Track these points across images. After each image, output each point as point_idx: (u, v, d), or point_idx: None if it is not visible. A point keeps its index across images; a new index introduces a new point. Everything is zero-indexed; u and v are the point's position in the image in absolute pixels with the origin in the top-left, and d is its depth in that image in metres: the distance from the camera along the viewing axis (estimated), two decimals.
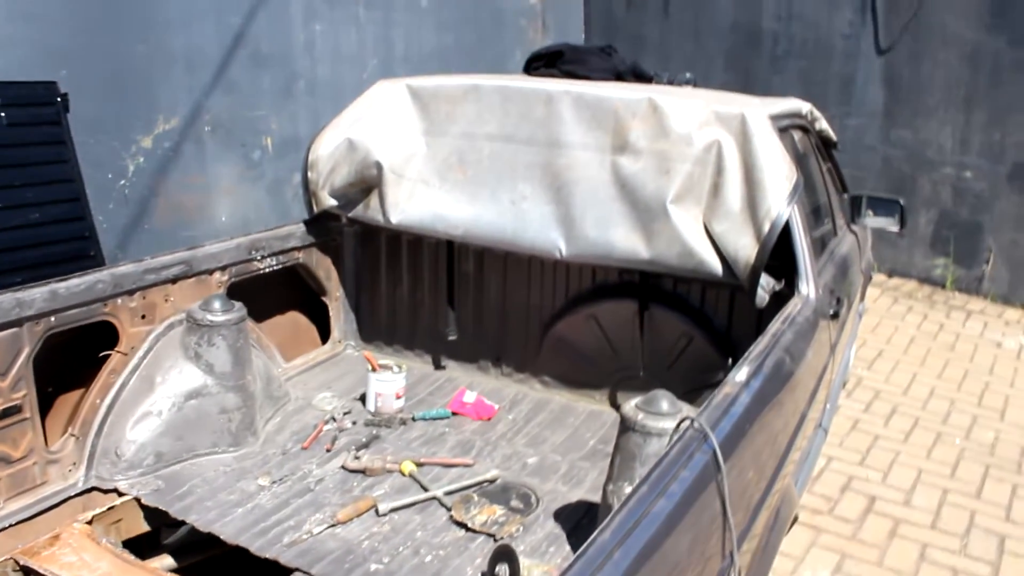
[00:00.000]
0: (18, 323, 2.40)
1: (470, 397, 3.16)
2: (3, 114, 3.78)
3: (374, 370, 3.09)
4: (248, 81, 4.88)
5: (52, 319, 2.48)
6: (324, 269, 3.51)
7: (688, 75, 3.59)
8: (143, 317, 2.77)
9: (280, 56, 5.06)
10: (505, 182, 3.11)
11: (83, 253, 4.09)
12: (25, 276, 3.84)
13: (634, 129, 2.96)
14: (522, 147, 3.13)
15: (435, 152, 3.25)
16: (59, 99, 4.00)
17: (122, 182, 4.32)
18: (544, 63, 3.55)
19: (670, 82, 3.57)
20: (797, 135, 3.35)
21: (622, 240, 2.94)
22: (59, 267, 3.98)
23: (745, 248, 2.74)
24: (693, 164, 2.87)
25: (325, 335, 3.64)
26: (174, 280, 2.85)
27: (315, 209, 3.39)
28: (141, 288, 2.75)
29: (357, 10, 5.50)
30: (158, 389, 2.74)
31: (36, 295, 2.44)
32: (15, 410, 2.44)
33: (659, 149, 2.91)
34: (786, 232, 2.78)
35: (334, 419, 3.03)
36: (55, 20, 4.01)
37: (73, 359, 2.69)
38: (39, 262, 3.91)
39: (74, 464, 2.65)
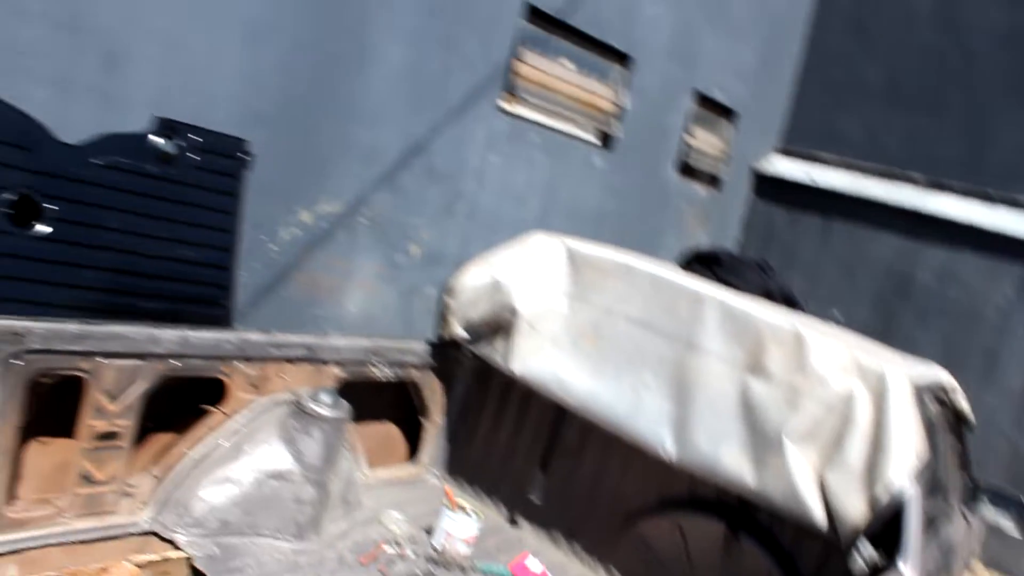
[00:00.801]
0: (145, 356, 2.49)
1: (535, 565, 3.09)
2: (197, 157, 4.02)
3: (451, 507, 3.06)
4: (415, 189, 5.06)
5: (176, 363, 2.57)
6: (432, 392, 3.54)
7: (837, 314, 3.57)
8: (254, 386, 2.84)
9: (450, 174, 5.25)
10: (632, 366, 3.12)
11: (215, 300, 4.24)
12: (157, 304, 4.01)
13: (772, 354, 2.94)
14: (658, 338, 3.14)
15: (574, 316, 3.29)
16: (245, 157, 4.23)
17: (273, 247, 4.49)
18: (701, 263, 3.59)
19: (818, 316, 3.55)
20: (934, 407, 3.26)
21: (731, 460, 2.89)
22: (189, 305, 4.14)
23: (854, 509, 2.65)
24: (823, 407, 2.82)
25: (413, 454, 3.66)
26: (293, 361, 2.93)
27: (443, 333, 3.45)
28: (261, 359, 2.83)
29: (533, 153, 5.69)
30: (244, 459, 2.79)
31: (169, 337, 2.54)
32: (114, 436, 2.51)
33: (792, 381, 2.87)
34: (900, 507, 2.68)
35: (397, 543, 3.01)
36: (266, 87, 4.28)
37: (175, 401, 2.77)
38: (174, 295, 4.07)
39: (144, 504, 2.69)
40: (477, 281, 3.34)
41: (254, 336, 2.76)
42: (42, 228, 3.65)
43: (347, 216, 4.75)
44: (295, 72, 4.39)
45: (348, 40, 4.58)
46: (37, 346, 2.26)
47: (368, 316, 5.02)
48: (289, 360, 2.88)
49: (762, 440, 2.81)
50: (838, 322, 3.51)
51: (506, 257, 3.37)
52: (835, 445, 2.72)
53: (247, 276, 4.39)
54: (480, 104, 5.23)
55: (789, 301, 3.49)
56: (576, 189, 6.10)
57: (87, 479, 2.49)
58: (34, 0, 3.53)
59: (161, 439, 2.76)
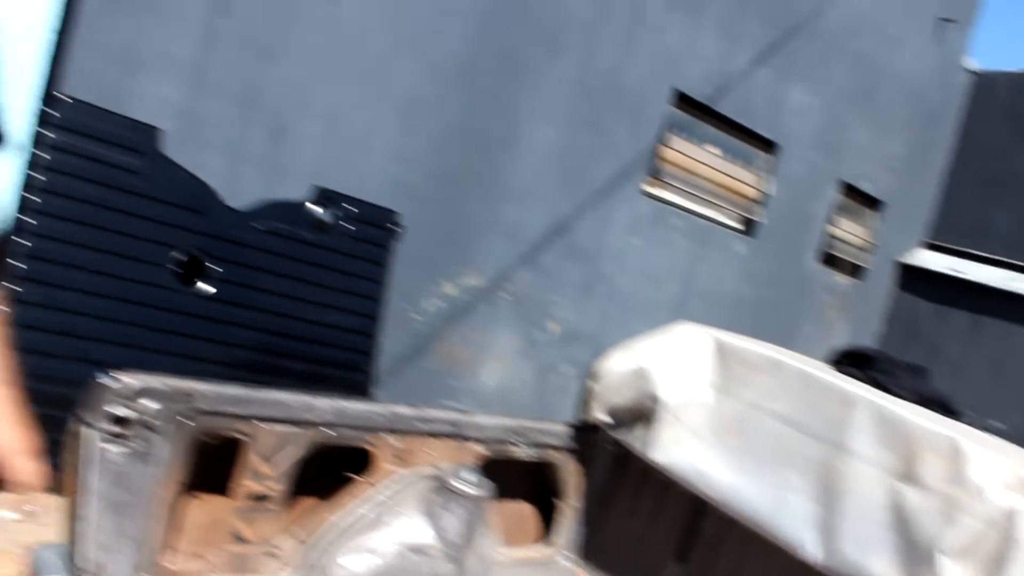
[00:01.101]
0: (301, 424, 2.56)
1: None
2: (351, 227, 4.17)
3: None
4: (556, 267, 5.11)
5: (328, 431, 2.63)
6: (570, 474, 3.52)
7: (1000, 425, 3.40)
8: (399, 458, 2.88)
9: (591, 255, 5.28)
10: (777, 465, 3.03)
11: (357, 366, 4.35)
12: (303, 366, 4.14)
13: (928, 463, 2.81)
14: (806, 437, 3.04)
15: (718, 409, 3.23)
16: (395, 228, 4.37)
17: (416, 316, 4.59)
18: (852, 362, 3.48)
19: (978, 426, 3.39)
20: None
21: (879, 569, 2.76)
22: (333, 369, 4.25)
23: None
24: (983, 523, 2.67)
25: (547, 535, 3.62)
26: (438, 436, 2.96)
27: (584, 416, 3.43)
28: (408, 432, 2.87)
29: (674, 236, 5.68)
30: (385, 530, 2.81)
31: (325, 406, 2.61)
32: (266, 498, 2.58)
33: (949, 494, 2.74)
34: None
35: None
36: (419, 162, 4.42)
37: (321, 466, 2.83)
38: (319, 358, 4.20)
39: (287, 566, 2.74)
40: (621, 367, 3.32)
41: (403, 409, 2.81)
42: (206, 288, 3.83)
43: (489, 290, 4.83)
44: (447, 149, 4.53)
45: (499, 121, 4.71)
46: (205, 407, 2.35)
47: (504, 390, 5.06)
48: (434, 435, 2.92)
49: (914, 552, 2.68)
50: (999, 432, 3.34)
51: (651, 345, 3.34)
52: (996, 565, 2.57)
53: (389, 344, 4.50)
54: (624, 186, 5.27)
55: (946, 408, 3.35)
56: (715, 274, 6.05)
57: (238, 538, 2.56)
58: (215, 76, 3.76)
59: (306, 503, 2.82)
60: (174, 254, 3.71)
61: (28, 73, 3.23)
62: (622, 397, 3.22)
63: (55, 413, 3.48)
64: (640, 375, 3.20)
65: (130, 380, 2.21)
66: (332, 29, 4.04)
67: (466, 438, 2.97)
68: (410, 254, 4.42)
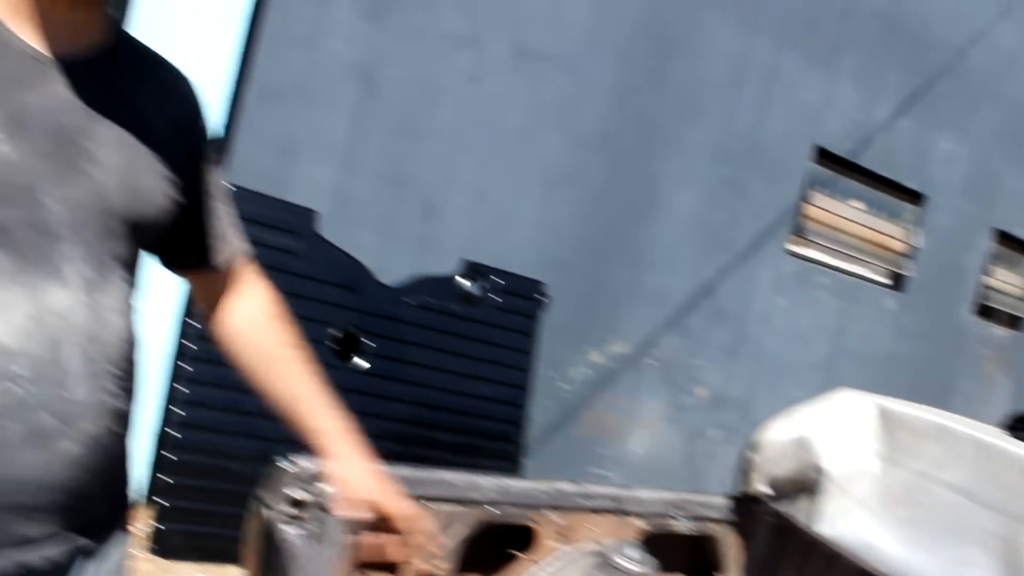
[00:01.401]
0: (467, 503, 2.59)
1: None
2: (498, 299, 4.23)
3: None
4: (700, 331, 5.05)
5: (492, 510, 2.65)
6: (729, 546, 3.44)
7: None
8: (561, 535, 2.87)
9: (736, 316, 5.20)
10: (952, 539, 2.89)
11: (507, 436, 4.38)
12: (454, 437, 4.18)
13: None
14: (983, 509, 2.89)
15: (885, 479, 3.11)
16: (542, 298, 4.41)
17: (563, 385, 4.60)
18: None
19: None
20: None
21: None
22: (481, 440, 4.29)
23: None
24: None
25: None
26: (599, 511, 2.94)
27: (744, 488, 3.36)
28: (570, 509, 2.86)
29: (821, 295, 5.54)
30: None
31: (489, 485, 2.63)
32: None
33: None
34: None
35: None
36: (562, 233, 4.47)
37: (484, 544, 2.85)
38: (469, 429, 4.24)
39: None
40: (782, 437, 3.24)
41: (565, 486, 2.81)
42: (361, 362, 3.93)
43: (635, 357, 4.81)
44: (590, 218, 4.57)
45: (640, 188, 4.72)
46: None
47: (651, 456, 5.00)
48: (596, 511, 2.90)
49: None
50: None
51: (812, 413, 3.25)
52: None
53: (537, 413, 4.52)
54: (768, 246, 5.19)
55: None
56: (865, 332, 5.86)
57: None
58: (366, 158, 3.91)
59: None
60: (331, 331, 3.83)
61: None
62: (784, 468, 3.14)
63: (226, 486, 3.62)
64: (802, 445, 3.11)
65: (307, 464, 2.28)
66: (474, 107, 4.15)
67: (627, 513, 2.94)
68: (557, 323, 4.45)
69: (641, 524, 2.97)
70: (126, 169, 1.27)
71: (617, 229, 4.66)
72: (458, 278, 4.16)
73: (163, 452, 3.53)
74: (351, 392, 3.91)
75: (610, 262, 4.67)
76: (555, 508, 2.75)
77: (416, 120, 4.02)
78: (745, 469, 3.24)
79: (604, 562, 2.78)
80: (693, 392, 5.11)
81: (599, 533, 2.87)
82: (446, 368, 4.15)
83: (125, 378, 1.29)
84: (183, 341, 3.60)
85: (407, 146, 4.00)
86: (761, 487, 3.18)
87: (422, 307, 4.08)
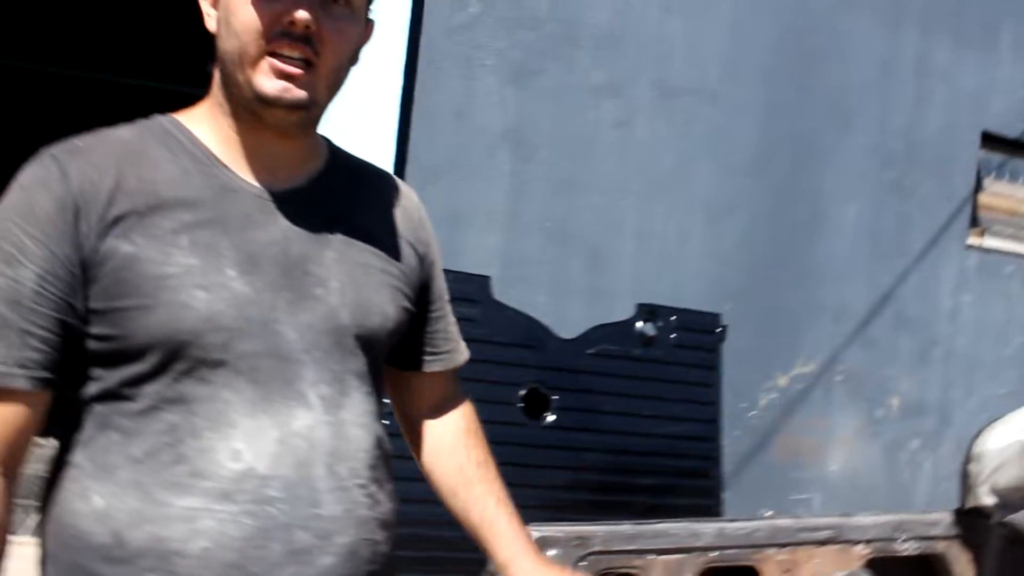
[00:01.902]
0: (688, 551, 2.59)
1: None
2: (673, 335, 4.22)
3: None
4: (886, 340, 4.89)
5: (713, 554, 2.63)
6: (960, 564, 3.29)
7: None
8: (786, 572, 2.82)
9: (922, 320, 5.02)
10: None
11: (703, 472, 4.33)
12: (651, 480, 4.17)
13: None
14: None
15: None
16: (719, 330, 4.37)
17: (752, 412, 4.53)
18: None
19: None
20: None
21: None
22: (677, 479, 4.26)
23: None
24: None
25: None
26: (821, 543, 2.88)
27: (967, 502, 3.21)
28: (791, 544, 2.81)
29: (1011, 286, 5.28)
30: None
31: (707, 530, 2.62)
32: None
33: None
34: None
35: None
36: (731, 262, 4.44)
37: None
38: (663, 469, 4.22)
39: None
40: (1002, 443, 3.09)
41: (784, 521, 2.77)
42: (549, 417, 3.99)
43: (821, 375, 4.70)
44: (756, 243, 4.52)
45: (803, 206, 4.64)
46: (599, 548, 2.43)
47: (850, 474, 4.86)
48: (818, 543, 2.84)
49: None
50: None
51: None
52: None
53: (729, 444, 4.46)
54: (945, 244, 5.00)
55: None
56: None
57: None
58: (531, 217, 4.00)
59: None
60: (517, 391, 3.90)
61: None
62: (1010, 477, 2.99)
63: (431, 553, 3.71)
64: None
65: (531, 531, 2.34)
66: (627, 152, 4.19)
67: (849, 541, 2.87)
68: (738, 351, 4.40)
69: (864, 551, 2.88)
70: (354, 288, 1.32)
71: (785, 249, 4.59)
72: (634, 322, 4.18)
73: None
74: (543, 448, 3.98)
75: (783, 283, 4.59)
76: (776, 545, 2.71)
77: (572, 174, 4.09)
78: (968, 483, 3.10)
79: None
80: (886, 403, 4.94)
81: (823, 565, 2.81)
82: (633, 412, 4.16)
83: (375, 486, 1.33)
84: None
85: (566, 200, 4.08)
86: (987, 499, 3.04)
87: (602, 355, 4.11)
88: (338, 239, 1.34)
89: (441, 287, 1.59)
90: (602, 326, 4.13)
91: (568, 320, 4.06)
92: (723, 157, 4.40)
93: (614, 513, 4.05)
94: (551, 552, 2.38)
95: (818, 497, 4.73)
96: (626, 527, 2.47)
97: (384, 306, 1.37)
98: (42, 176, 1.20)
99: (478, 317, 3.85)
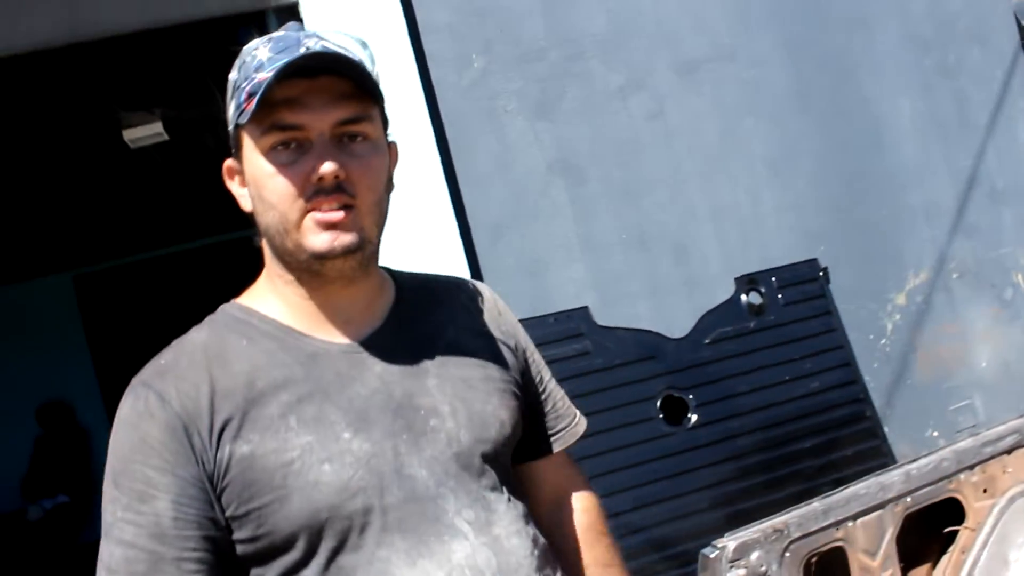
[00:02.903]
0: (882, 506, 2.54)
1: None
2: (780, 296, 4.17)
3: None
4: (987, 221, 4.76)
5: (908, 499, 2.58)
6: None
7: None
8: (984, 491, 2.75)
9: (1015, 188, 4.87)
10: None
11: (858, 416, 4.25)
12: (808, 442, 4.11)
13: None
14: None
15: None
16: (820, 274, 4.30)
17: (882, 341, 4.44)
18: None
19: None
20: None
21: None
22: (837, 431, 4.19)
23: None
24: None
25: None
26: (1010, 451, 2.80)
27: None
28: (980, 462, 2.74)
29: None
30: (1013, 567, 2.67)
31: (894, 478, 2.57)
32: None
33: None
34: None
35: None
36: (807, 206, 4.37)
37: (920, 536, 2.76)
38: (820, 427, 4.15)
39: None
40: None
41: (965, 443, 2.70)
42: (692, 417, 3.96)
43: (937, 280, 4.58)
44: (825, 179, 4.44)
45: (857, 124, 4.56)
46: (797, 534, 2.41)
47: (1001, 366, 4.71)
48: (1007, 452, 2.76)
49: None
50: None
51: None
52: None
53: (872, 380, 4.37)
54: (1008, 105, 4.85)
55: None
56: None
57: None
58: (607, 234, 4.00)
59: (919, 574, 2.77)
60: (655, 403, 3.89)
61: None
62: None
63: None
64: None
65: (729, 542, 2.33)
66: (670, 139, 4.18)
67: None
68: (846, 290, 4.33)
69: None
70: (464, 406, 1.34)
71: (855, 172, 4.50)
72: (738, 297, 4.14)
73: None
74: (697, 450, 3.95)
75: (865, 206, 4.50)
76: (967, 469, 2.65)
77: (627, 179, 4.09)
78: None
79: None
80: (1011, 282, 4.79)
81: (1018, 471, 2.73)
82: (769, 383, 4.11)
83: None
84: None
85: (632, 207, 4.07)
86: None
87: (720, 340, 4.09)
88: (433, 364, 1.36)
89: (540, 368, 1.60)
90: (709, 313, 4.10)
91: (676, 320, 4.04)
92: (762, 108, 4.35)
93: (785, 487, 4.00)
94: (754, 555, 2.36)
95: (977, 400, 4.60)
96: (816, 504, 2.44)
97: (498, 413, 1.39)
98: (142, 407, 1.23)
99: (590, 348, 3.86)
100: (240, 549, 1.24)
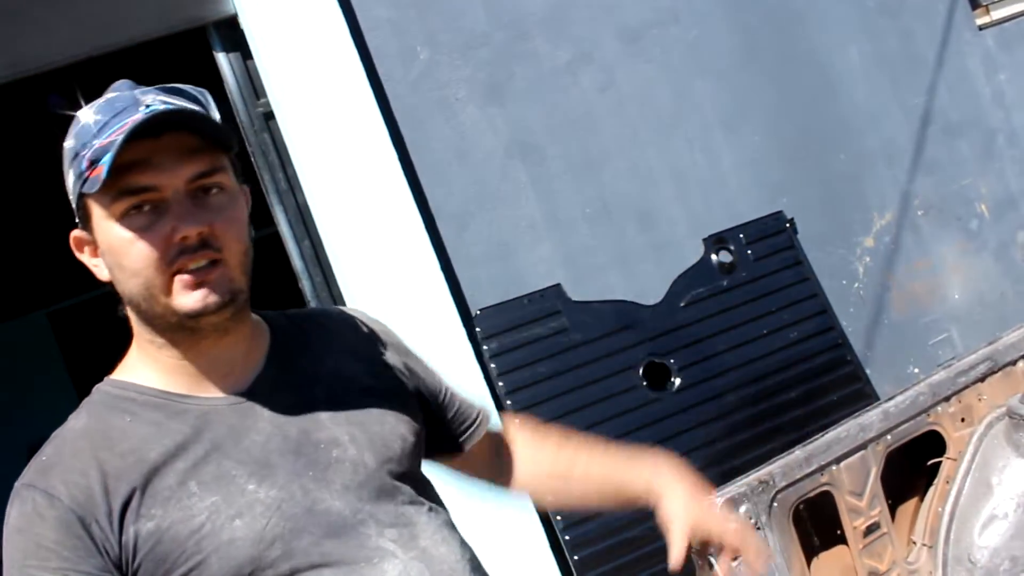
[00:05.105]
0: (863, 446, 2.59)
1: None
2: (750, 251, 4.20)
3: None
4: (945, 154, 4.80)
5: (888, 437, 2.63)
6: None
7: None
8: (962, 420, 2.80)
9: (970, 119, 4.91)
10: None
11: (840, 360, 4.30)
12: (793, 393, 4.15)
13: None
14: None
15: None
16: (787, 225, 4.33)
17: (856, 285, 4.48)
18: None
19: None
20: None
21: None
22: (820, 379, 4.23)
23: None
24: None
25: None
26: (983, 378, 2.85)
27: None
28: (955, 392, 2.79)
29: None
30: (997, 491, 2.72)
31: (873, 418, 2.62)
32: (876, 527, 2.61)
33: None
34: None
35: None
36: (768, 159, 4.40)
37: (904, 471, 2.82)
38: (803, 377, 4.19)
39: (930, 573, 2.72)
40: None
41: (939, 376, 2.74)
42: (676, 381, 3.99)
43: (903, 219, 4.62)
44: (781, 131, 4.47)
45: (807, 73, 4.58)
46: (782, 483, 2.45)
47: (975, 296, 4.77)
48: (980, 379, 2.81)
49: None
50: None
51: None
52: None
53: (849, 324, 4.41)
54: (955, 38, 4.88)
55: None
56: None
57: (874, 574, 2.60)
58: (571, 211, 4.01)
59: (909, 508, 2.82)
60: (635, 370, 3.92)
61: (448, 325, 3.62)
62: None
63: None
64: None
65: (717, 499, 2.36)
66: (623, 108, 4.19)
67: (1007, 364, 2.83)
68: (814, 238, 4.37)
69: None
70: (362, 430, 1.34)
71: (810, 121, 4.53)
72: (708, 257, 4.17)
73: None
74: (684, 412, 3.98)
75: (824, 153, 4.53)
76: (943, 400, 2.69)
77: (586, 153, 4.10)
78: None
79: (1020, 423, 2.68)
80: (976, 213, 4.84)
81: (994, 397, 2.78)
82: (748, 339, 4.14)
83: None
84: None
85: (593, 180, 4.08)
86: None
87: (695, 302, 4.11)
88: (321, 396, 1.35)
89: (431, 374, 1.59)
90: (682, 276, 4.12)
91: (649, 287, 4.07)
92: (710, 67, 4.37)
93: (775, 439, 4.04)
94: (743, 508, 2.40)
95: (954, 331, 4.66)
96: (797, 452, 2.48)
97: (397, 429, 1.39)
98: (29, 510, 1.19)
99: (568, 325, 3.88)
100: None
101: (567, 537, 3.56)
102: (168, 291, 1.22)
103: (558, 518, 3.60)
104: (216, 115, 1.31)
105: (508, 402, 3.70)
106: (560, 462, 1.62)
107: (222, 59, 3.61)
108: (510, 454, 1.65)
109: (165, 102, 1.23)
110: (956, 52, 4.90)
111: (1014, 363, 2.88)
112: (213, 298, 1.22)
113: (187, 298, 1.22)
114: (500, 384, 3.68)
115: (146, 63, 3.76)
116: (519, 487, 1.64)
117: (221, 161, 1.27)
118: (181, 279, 1.21)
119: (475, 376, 3.65)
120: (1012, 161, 4.95)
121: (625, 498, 1.60)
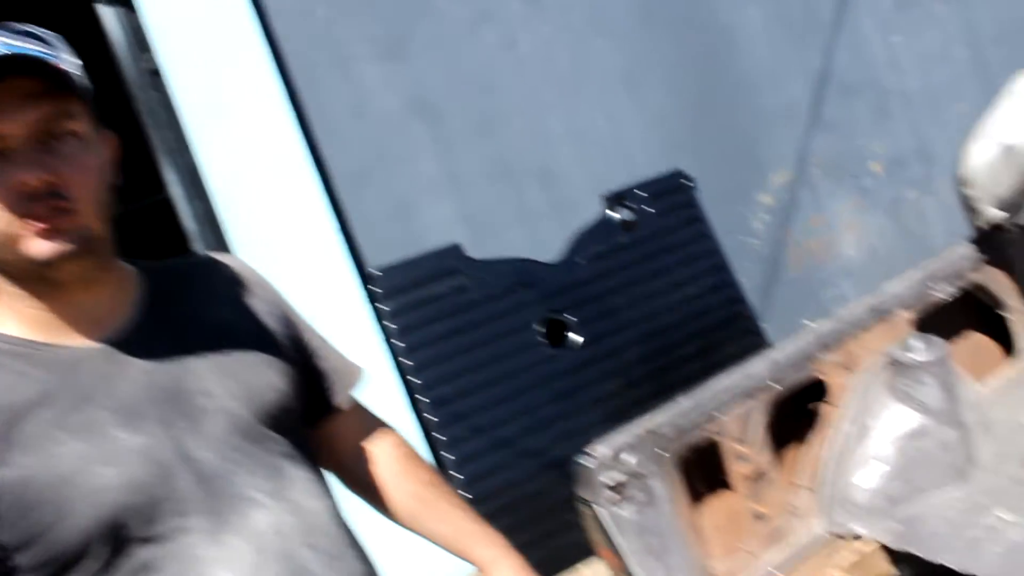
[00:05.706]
0: (749, 394, 2.64)
1: None
2: (649, 208, 4.25)
3: None
4: (842, 114, 4.91)
5: (774, 385, 2.68)
6: (997, 283, 3.33)
7: None
8: (846, 368, 2.88)
9: (866, 80, 5.02)
10: None
11: (738, 315, 4.39)
12: (693, 347, 4.23)
13: None
14: None
15: None
16: (686, 182, 4.39)
17: (754, 241, 4.57)
18: None
19: None
20: None
21: None
22: (717, 334, 4.32)
23: None
24: None
25: (1008, 352, 3.44)
26: (866, 328, 2.93)
27: (979, 225, 3.25)
28: (839, 342, 2.86)
29: (932, 7, 5.26)
30: (874, 434, 2.81)
31: (758, 366, 2.67)
32: (761, 473, 2.67)
33: None
34: None
35: None
36: (668, 118, 4.45)
37: (788, 418, 2.88)
38: (701, 331, 4.28)
39: (810, 515, 2.81)
40: (985, 157, 3.11)
41: (823, 325, 2.81)
42: (575, 338, 4.03)
43: (800, 177, 4.72)
44: (680, 89, 4.52)
45: (708, 34, 4.63)
46: (670, 432, 2.48)
47: (868, 252, 4.90)
48: (863, 329, 2.89)
49: None
50: None
51: (1000, 117, 3.11)
52: None
53: (747, 280, 4.50)
54: (854, 1, 4.98)
55: None
56: (995, 9, 5.48)
57: (759, 517, 2.66)
58: (471, 170, 4.00)
59: (793, 453, 2.88)
60: (534, 328, 3.94)
61: (345, 286, 3.59)
62: (1004, 185, 3.02)
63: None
64: (1009, 152, 2.98)
65: (603, 448, 2.39)
66: (525, 67, 4.18)
67: (890, 312, 2.91)
68: (714, 195, 4.43)
69: (908, 315, 2.93)
70: (235, 380, 1.32)
71: (710, 80, 4.59)
72: (607, 215, 4.20)
73: None
74: (583, 368, 4.03)
75: (723, 112, 4.60)
76: (826, 349, 2.76)
77: (486, 112, 4.09)
78: (971, 206, 3.13)
79: (899, 367, 2.77)
80: (869, 171, 4.96)
81: (877, 345, 2.86)
82: (647, 295, 4.20)
83: (355, 544, 1.38)
84: None
85: (494, 138, 4.08)
86: (993, 213, 3.07)
87: (595, 259, 4.15)
88: (196, 345, 1.33)
89: (307, 329, 1.57)
90: (581, 234, 4.16)
91: (549, 245, 4.09)
92: (611, 26, 4.38)
93: (674, 394, 4.11)
94: (634, 459, 2.43)
95: (848, 286, 4.79)
96: (683, 402, 2.52)
97: (272, 381, 1.38)
98: None
99: (468, 284, 3.88)
100: None
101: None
102: (19, 241, 1.18)
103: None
104: (70, 61, 1.25)
105: (409, 363, 3.70)
106: (423, 494, 1.59)
107: (105, 11, 3.49)
108: (377, 455, 1.60)
109: (8, 44, 1.17)
110: (854, 15, 5.00)
111: (893, 313, 2.97)
112: (65, 246, 1.19)
113: (38, 247, 1.18)
114: (399, 344, 3.66)
115: (22, 13, 3.61)
116: (373, 495, 1.59)
117: (71, 107, 1.22)
118: (31, 227, 1.18)
119: (373, 336, 3.64)
120: (904, 122, 5.08)
121: (460, 555, 1.60)
